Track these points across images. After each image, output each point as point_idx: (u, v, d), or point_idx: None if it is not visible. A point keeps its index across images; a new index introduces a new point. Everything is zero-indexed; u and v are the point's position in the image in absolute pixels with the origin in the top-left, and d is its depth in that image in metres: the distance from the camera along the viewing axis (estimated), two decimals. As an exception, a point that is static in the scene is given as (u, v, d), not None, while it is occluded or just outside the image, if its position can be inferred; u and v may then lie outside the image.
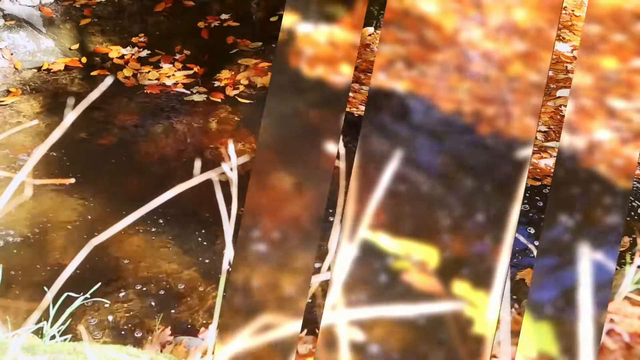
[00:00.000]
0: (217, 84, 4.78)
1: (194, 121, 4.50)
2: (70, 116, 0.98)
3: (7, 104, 4.58)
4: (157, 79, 4.82)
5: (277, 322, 1.25)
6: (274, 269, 1.29)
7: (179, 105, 4.64)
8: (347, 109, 4.30)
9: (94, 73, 4.88)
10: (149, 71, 4.89)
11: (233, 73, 4.88)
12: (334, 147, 1.29)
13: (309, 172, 1.30)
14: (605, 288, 1.20)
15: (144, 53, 5.06)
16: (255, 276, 1.30)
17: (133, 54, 5.04)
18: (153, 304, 3.30)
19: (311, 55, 1.34)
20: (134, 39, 5.19)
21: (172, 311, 3.27)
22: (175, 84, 4.77)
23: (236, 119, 4.52)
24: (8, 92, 4.68)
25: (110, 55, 5.05)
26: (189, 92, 4.71)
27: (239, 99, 4.63)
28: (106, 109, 4.55)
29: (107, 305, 3.26)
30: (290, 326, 1.21)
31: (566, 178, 1.21)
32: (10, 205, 1.12)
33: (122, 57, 5.04)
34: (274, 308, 1.27)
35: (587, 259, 1.13)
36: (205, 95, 4.67)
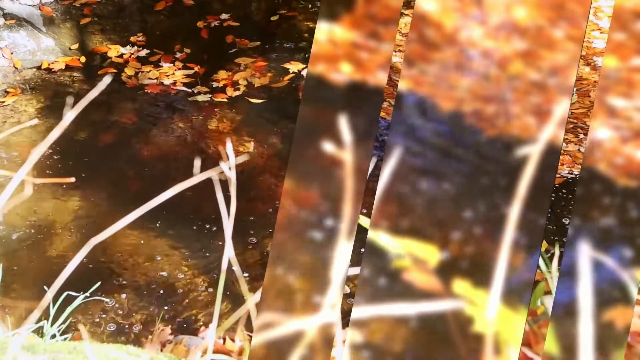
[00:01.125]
0: (215, 84, 4.78)
1: (196, 121, 4.51)
2: (70, 115, 0.97)
3: (7, 104, 4.58)
4: (157, 78, 4.82)
5: (310, 312, 1.25)
6: (310, 262, 1.29)
7: (181, 104, 4.64)
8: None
9: (101, 72, 4.89)
10: (150, 70, 4.89)
11: (230, 73, 4.88)
12: (368, 146, 1.29)
13: (341, 172, 1.31)
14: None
15: (144, 52, 5.06)
16: (292, 268, 1.30)
17: (132, 53, 5.04)
18: (153, 303, 3.31)
19: (342, 59, 1.34)
20: (132, 39, 5.19)
21: (172, 310, 3.27)
22: (174, 83, 4.77)
23: (238, 118, 4.52)
24: (8, 91, 4.68)
25: (109, 54, 5.05)
26: (191, 91, 4.71)
27: (251, 100, 4.64)
28: (107, 108, 4.55)
29: (107, 304, 3.26)
30: (326, 317, 1.21)
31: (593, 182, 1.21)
32: (10, 204, 1.12)
33: (121, 56, 5.04)
34: (308, 300, 1.27)
35: (588, 258, 1.12)
36: (209, 95, 4.67)
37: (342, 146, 1.31)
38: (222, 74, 4.86)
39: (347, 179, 1.29)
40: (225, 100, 4.63)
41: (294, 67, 4.94)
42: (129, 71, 4.87)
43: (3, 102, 4.58)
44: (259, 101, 4.63)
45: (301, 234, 1.31)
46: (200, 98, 4.65)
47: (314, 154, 1.32)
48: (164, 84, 4.77)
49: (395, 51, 4.40)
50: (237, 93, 4.70)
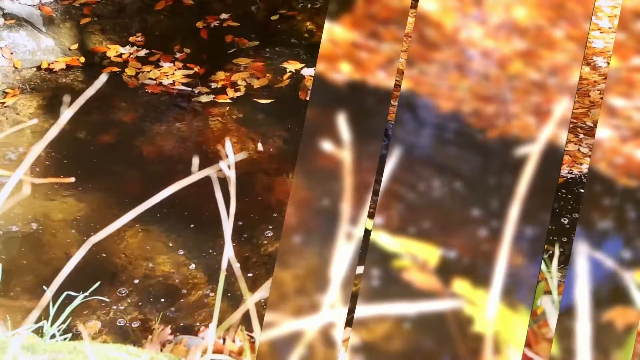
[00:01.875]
0: (213, 85, 4.78)
1: (197, 121, 4.51)
2: (67, 114, 0.98)
3: (6, 103, 4.58)
4: (157, 79, 4.82)
5: (320, 308, 1.25)
6: (318, 259, 1.29)
7: (182, 105, 4.64)
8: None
9: (104, 71, 4.88)
10: (151, 70, 4.89)
11: (228, 74, 4.87)
12: (377, 144, 1.29)
13: (348, 172, 1.31)
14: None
15: (143, 52, 5.06)
16: (300, 266, 1.30)
17: (131, 53, 5.04)
18: (153, 302, 3.31)
19: (347, 59, 1.35)
20: (131, 39, 5.18)
21: (172, 310, 3.27)
22: (172, 83, 4.77)
23: (240, 118, 4.52)
24: (7, 92, 4.68)
25: (108, 54, 5.04)
26: (191, 91, 4.72)
27: (252, 100, 4.63)
28: (108, 108, 4.55)
29: (107, 304, 3.26)
30: (328, 317, 1.21)
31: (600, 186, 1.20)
32: (8, 203, 1.12)
33: (120, 55, 5.03)
34: (317, 296, 1.27)
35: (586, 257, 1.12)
36: (212, 96, 4.67)
37: (350, 146, 1.31)
38: (220, 75, 4.86)
39: (351, 179, 1.29)
40: (228, 101, 4.63)
41: (291, 66, 4.94)
42: (129, 71, 4.87)
43: (4, 102, 4.58)
44: (260, 101, 4.64)
45: (308, 234, 1.31)
46: (202, 99, 4.65)
47: (321, 154, 1.32)
48: (164, 84, 4.77)
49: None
50: (238, 94, 4.70)
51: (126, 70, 4.86)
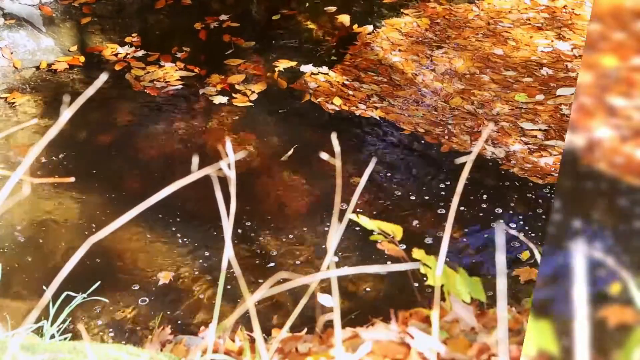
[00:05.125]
0: (212, 88, 4.80)
1: (199, 121, 4.53)
2: (67, 114, 1.00)
3: (6, 103, 4.60)
4: (157, 79, 4.85)
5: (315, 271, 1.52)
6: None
7: (183, 105, 4.65)
8: (346, 108, 4.31)
9: (111, 69, 4.89)
10: (154, 70, 4.92)
11: (223, 77, 4.88)
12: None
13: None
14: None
15: (140, 53, 5.07)
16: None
17: (128, 53, 5.06)
18: (152, 302, 3.35)
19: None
20: (127, 39, 5.21)
21: (172, 310, 3.31)
22: (164, 87, 4.79)
23: (241, 119, 4.52)
24: (8, 91, 4.72)
25: (104, 53, 5.03)
26: (191, 92, 4.74)
27: (252, 100, 4.61)
28: (110, 108, 4.57)
29: (106, 304, 3.31)
30: (325, 275, 1.46)
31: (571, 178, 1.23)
32: (8, 203, 1.16)
33: (116, 55, 5.05)
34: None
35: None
36: (227, 97, 4.69)
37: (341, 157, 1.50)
38: (215, 78, 4.87)
39: (341, 179, 1.53)
40: (249, 103, 4.63)
41: (282, 65, 4.97)
42: (133, 71, 4.88)
43: (12, 103, 4.60)
44: (259, 100, 4.66)
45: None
46: (216, 100, 4.67)
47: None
48: (166, 85, 4.79)
49: (395, 50, 4.41)
50: (239, 95, 4.72)
51: (132, 71, 4.88)
